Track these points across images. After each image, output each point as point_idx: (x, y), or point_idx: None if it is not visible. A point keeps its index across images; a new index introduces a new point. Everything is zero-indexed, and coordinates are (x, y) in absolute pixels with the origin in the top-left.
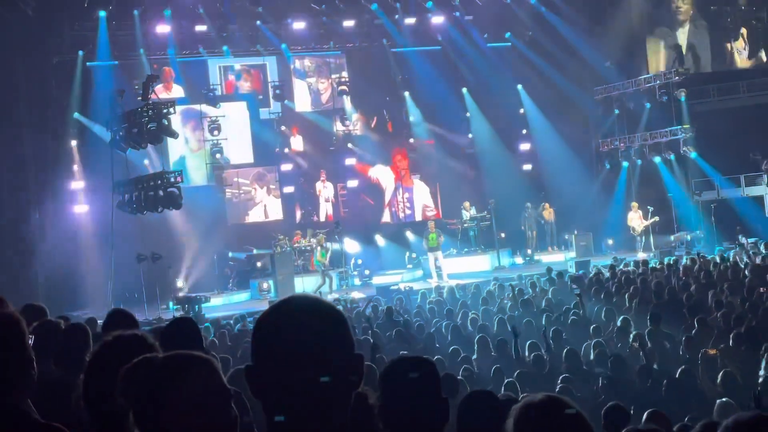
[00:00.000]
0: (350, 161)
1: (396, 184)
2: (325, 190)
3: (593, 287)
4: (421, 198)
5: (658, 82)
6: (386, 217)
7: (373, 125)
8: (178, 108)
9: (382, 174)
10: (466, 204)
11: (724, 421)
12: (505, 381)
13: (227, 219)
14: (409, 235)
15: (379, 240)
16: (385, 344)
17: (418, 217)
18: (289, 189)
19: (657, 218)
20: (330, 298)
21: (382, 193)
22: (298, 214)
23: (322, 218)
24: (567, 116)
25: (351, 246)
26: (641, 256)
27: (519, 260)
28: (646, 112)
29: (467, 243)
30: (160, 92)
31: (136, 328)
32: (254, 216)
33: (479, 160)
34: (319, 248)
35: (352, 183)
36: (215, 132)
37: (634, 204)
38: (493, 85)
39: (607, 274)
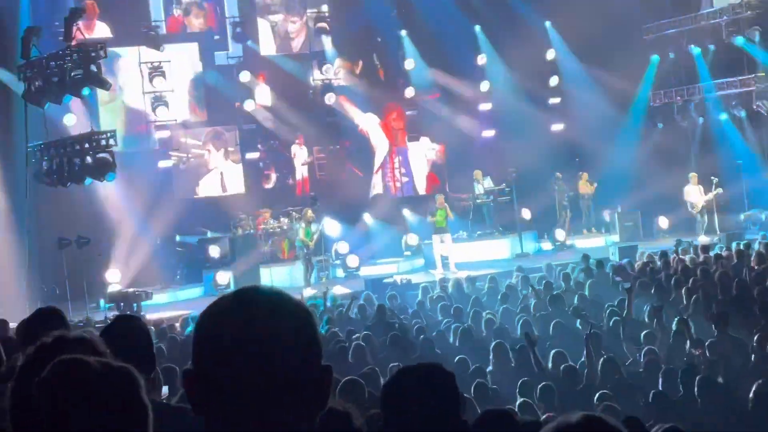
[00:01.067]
0: (331, 119)
1: (389, 148)
2: (301, 154)
3: (641, 280)
4: (421, 166)
5: (725, 18)
6: (378, 188)
7: (358, 71)
8: (110, 51)
9: (373, 130)
10: (479, 174)
11: None
12: (528, 398)
13: (174, 192)
14: (407, 214)
15: (368, 219)
16: (376, 352)
17: (420, 191)
18: (253, 155)
19: (721, 190)
20: (306, 293)
21: (372, 157)
22: (267, 187)
23: (299, 192)
24: (608, 62)
25: (332, 227)
26: (702, 240)
27: (547, 245)
28: (710, 56)
29: (481, 224)
30: (88, 31)
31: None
32: (208, 188)
33: (496, 118)
34: (303, 226)
35: (333, 145)
36: (158, 81)
37: (693, 175)
38: (514, 22)
39: (660, 264)
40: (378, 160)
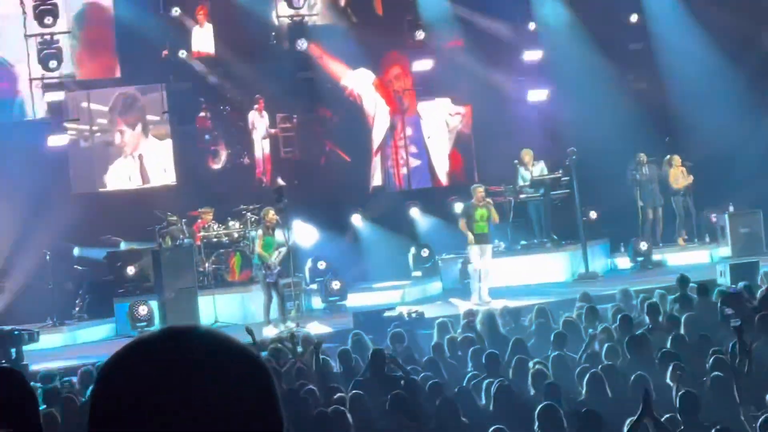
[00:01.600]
0: (303, 75)
1: (392, 118)
2: (261, 124)
3: (763, 313)
4: (441, 141)
5: None
6: (375, 179)
7: (343, 2)
8: None
9: (366, 93)
10: (528, 155)
11: None
12: None
13: (70, 184)
14: (416, 215)
15: (358, 223)
16: (371, 421)
17: (440, 179)
18: (188, 127)
19: None
20: (268, 333)
21: (366, 133)
22: (215, 168)
23: (259, 178)
24: None
25: (305, 235)
26: None
27: (625, 262)
28: None
29: (525, 229)
30: None
31: None
32: (119, 178)
33: (549, 73)
34: (262, 233)
35: (306, 113)
36: (48, 20)
37: None
38: None
39: None
40: (376, 138)
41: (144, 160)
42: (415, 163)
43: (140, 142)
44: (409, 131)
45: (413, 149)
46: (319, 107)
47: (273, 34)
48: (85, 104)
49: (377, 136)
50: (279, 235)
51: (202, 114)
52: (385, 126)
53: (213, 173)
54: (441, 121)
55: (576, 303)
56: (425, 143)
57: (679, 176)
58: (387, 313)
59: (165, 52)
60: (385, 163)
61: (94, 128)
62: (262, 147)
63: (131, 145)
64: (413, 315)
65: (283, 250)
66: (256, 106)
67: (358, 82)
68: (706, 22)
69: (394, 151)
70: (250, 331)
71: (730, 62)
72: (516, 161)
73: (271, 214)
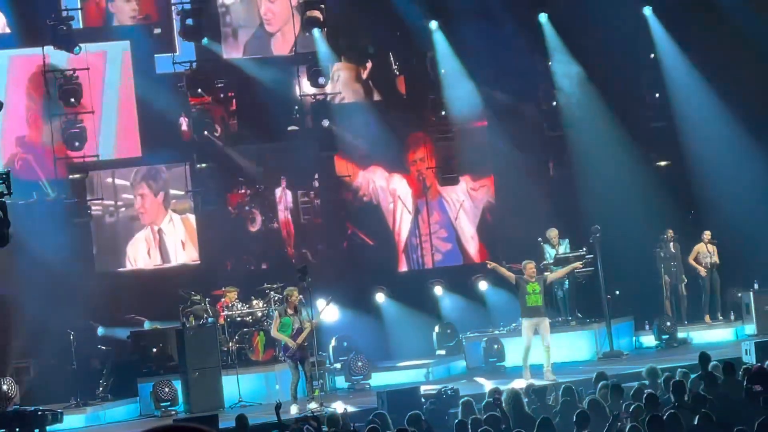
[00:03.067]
0: (326, 155)
1: (416, 202)
2: (286, 200)
3: None
4: (466, 219)
5: None
6: (402, 265)
7: (365, 75)
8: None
9: (384, 181)
10: (554, 234)
11: None
12: None
13: (94, 263)
14: (439, 293)
15: (381, 299)
16: None
17: (471, 257)
18: (211, 207)
19: None
20: (294, 412)
21: (387, 218)
22: (250, 235)
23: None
24: (741, 68)
25: (326, 312)
26: None
27: (650, 340)
28: None
29: (550, 307)
30: None
31: None
32: (139, 255)
33: (572, 150)
34: (278, 314)
35: (331, 194)
36: (71, 99)
37: None
38: (597, 8)
39: None
40: (399, 222)
41: (164, 235)
42: (446, 247)
43: (160, 213)
44: (435, 215)
45: (443, 232)
46: (340, 190)
47: (295, 111)
48: (109, 180)
49: (401, 220)
50: (303, 314)
51: (242, 191)
52: (408, 210)
53: (251, 235)
54: (465, 198)
55: (596, 383)
56: (453, 225)
57: (705, 252)
58: (425, 389)
59: (185, 128)
60: (413, 251)
61: (119, 203)
62: (286, 216)
63: (152, 214)
64: (449, 392)
65: (307, 327)
66: (282, 185)
67: (371, 178)
68: (729, 100)
69: (422, 239)
70: (277, 410)
71: (755, 138)
72: (540, 239)
73: (295, 295)
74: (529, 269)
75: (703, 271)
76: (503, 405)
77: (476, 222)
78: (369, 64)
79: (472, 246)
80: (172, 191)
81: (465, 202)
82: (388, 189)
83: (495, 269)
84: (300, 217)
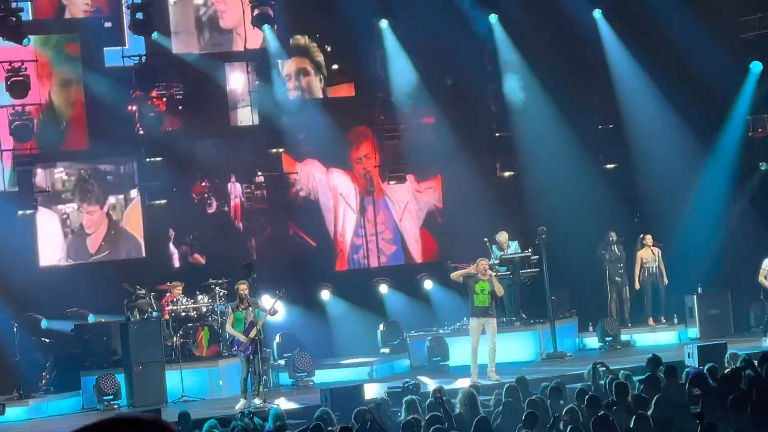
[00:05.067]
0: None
1: (361, 199)
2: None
3: (734, 395)
4: (411, 219)
5: None
6: (340, 264)
7: (314, 72)
8: None
9: (323, 175)
10: (504, 237)
11: None
12: None
13: (37, 256)
14: (385, 291)
15: (326, 297)
16: None
17: (414, 258)
18: (158, 201)
19: None
20: (239, 407)
21: (327, 215)
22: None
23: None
24: (688, 73)
25: (279, 304)
26: None
27: (594, 341)
28: None
29: (495, 308)
30: None
31: None
32: (86, 248)
33: (519, 151)
34: (231, 309)
35: (277, 191)
36: (18, 92)
37: None
38: (548, 9)
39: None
40: (341, 221)
41: (112, 231)
42: (390, 249)
43: (106, 213)
44: (380, 215)
45: (388, 234)
46: (288, 186)
47: (245, 108)
48: (58, 175)
49: (344, 220)
50: (248, 311)
51: (204, 183)
52: (352, 209)
53: (206, 224)
54: (410, 200)
55: (541, 383)
56: (398, 226)
57: (649, 255)
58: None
59: (137, 125)
60: (356, 251)
61: (63, 197)
62: (236, 212)
63: (97, 216)
64: (409, 385)
65: (260, 321)
66: (232, 180)
67: (310, 171)
68: (675, 102)
69: (367, 239)
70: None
71: (698, 143)
72: (486, 239)
73: (244, 289)
74: (481, 266)
75: (637, 285)
76: (457, 407)
77: (420, 223)
78: (319, 61)
79: (416, 248)
80: (119, 189)
81: (410, 203)
82: (329, 185)
83: (455, 270)
84: (247, 213)
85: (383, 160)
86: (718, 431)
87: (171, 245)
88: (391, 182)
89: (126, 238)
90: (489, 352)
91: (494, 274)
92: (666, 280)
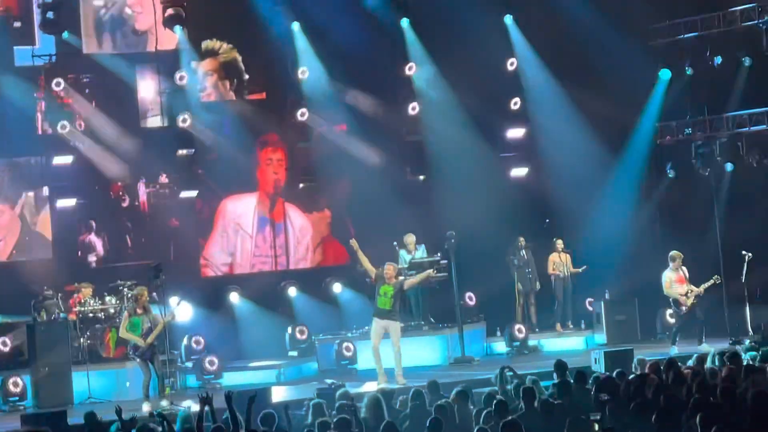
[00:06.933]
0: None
1: (267, 203)
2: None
3: (636, 402)
4: (318, 227)
5: (766, 19)
6: (242, 267)
7: (225, 75)
8: None
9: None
10: (411, 240)
11: None
12: None
13: None
14: (293, 294)
15: (235, 299)
16: None
17: (314, 260)
18: (67, 201)
19: (717, 279)
20: (145, 409)
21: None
22: (97, 249)
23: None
24: (598, 80)
25: (179, 310)
26: (706, 348)
27: (501, 346)
28: (743, 73)
29: (402, 311)
30: None
31: None
32: None
33: (428, 156)
34: (127, 314)
35: (188, 193)
36: None
37: (675, 254)
38: (459, 15)
39: (669, 378)
40: (239, 251)
41: (21, 230)
42: (300, 252)
43: (14, 210)
44: (286, 220)
45: (291, 239)
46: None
47: (150, 108)
48: None
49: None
50: (150, 312)
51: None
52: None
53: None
54: (319, 204)
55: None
56: (296, 229)
57: (558, 260)
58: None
59: (44, 125)
60: (254, 250)
61: None
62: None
63: (10, 226)
64: (333, 386)
65: (159, 326)
66: (142, 181)
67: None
68: (585, 109)
69: (271, 244)
70: (118, 412)
71: (609, 148)
72: (395, 243)
73: (145, 296)
74: (389, 271)
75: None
76: (363, 411)
77: (329, 224)
78: (231, 64)
79: (323, 248)
80: (25, 189)
81: (319, 206)
82: (233, 214)
83: (356, 251)
84: (155, 215)
85: (293, 163)
86: None
87: (81, 246)
88: (301, 185)
89: (36, 240)
90: (394, 355)
91: (404, 278)
92: (571, 286)
